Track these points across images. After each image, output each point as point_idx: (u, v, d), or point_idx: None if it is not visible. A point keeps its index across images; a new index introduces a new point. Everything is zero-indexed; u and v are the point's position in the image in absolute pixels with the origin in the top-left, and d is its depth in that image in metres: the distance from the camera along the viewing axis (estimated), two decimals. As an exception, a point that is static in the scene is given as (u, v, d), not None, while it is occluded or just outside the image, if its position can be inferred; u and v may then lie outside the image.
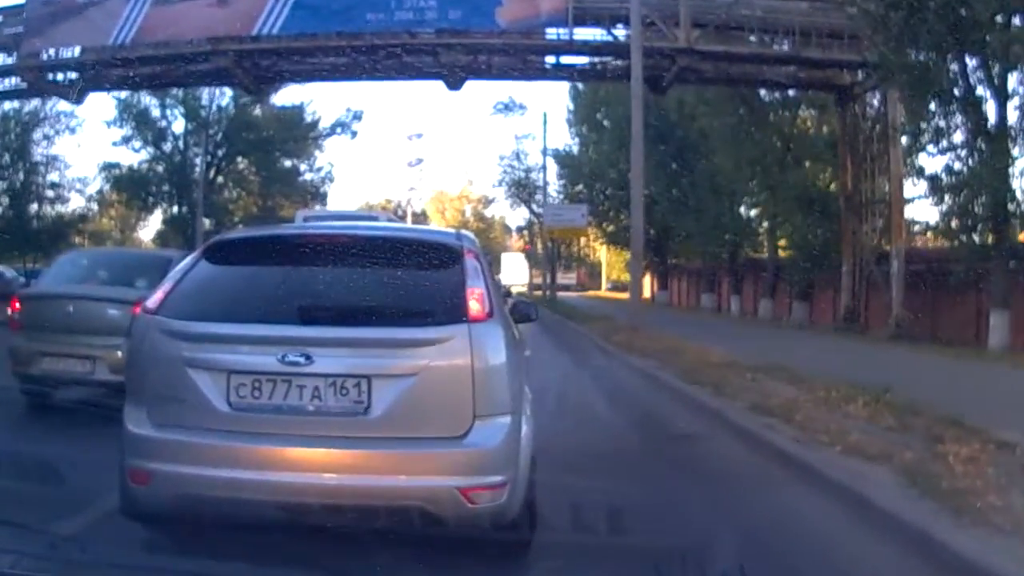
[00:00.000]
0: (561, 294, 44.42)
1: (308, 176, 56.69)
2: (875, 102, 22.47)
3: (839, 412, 6.83)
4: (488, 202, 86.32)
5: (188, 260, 4.25)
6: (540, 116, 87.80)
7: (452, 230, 4.83)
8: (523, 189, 48.12)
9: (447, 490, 3.59)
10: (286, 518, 3.57)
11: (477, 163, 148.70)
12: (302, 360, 3.63)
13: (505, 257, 66.62)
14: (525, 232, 55.77)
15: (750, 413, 7.02)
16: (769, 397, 7.50)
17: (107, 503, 4.09)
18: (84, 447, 4.77)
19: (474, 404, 3.69)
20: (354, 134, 44.18)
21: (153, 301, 4.00)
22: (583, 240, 53.27)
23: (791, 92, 27.48)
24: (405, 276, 4.04)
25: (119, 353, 7.19)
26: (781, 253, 30.57)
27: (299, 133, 44.45)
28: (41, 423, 7.21)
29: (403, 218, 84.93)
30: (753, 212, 33.89)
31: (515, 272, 61.60)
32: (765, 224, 32.89)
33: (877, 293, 21.88)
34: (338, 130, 44.26)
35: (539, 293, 47.00)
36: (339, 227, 4.91)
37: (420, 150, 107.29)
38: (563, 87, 47.99)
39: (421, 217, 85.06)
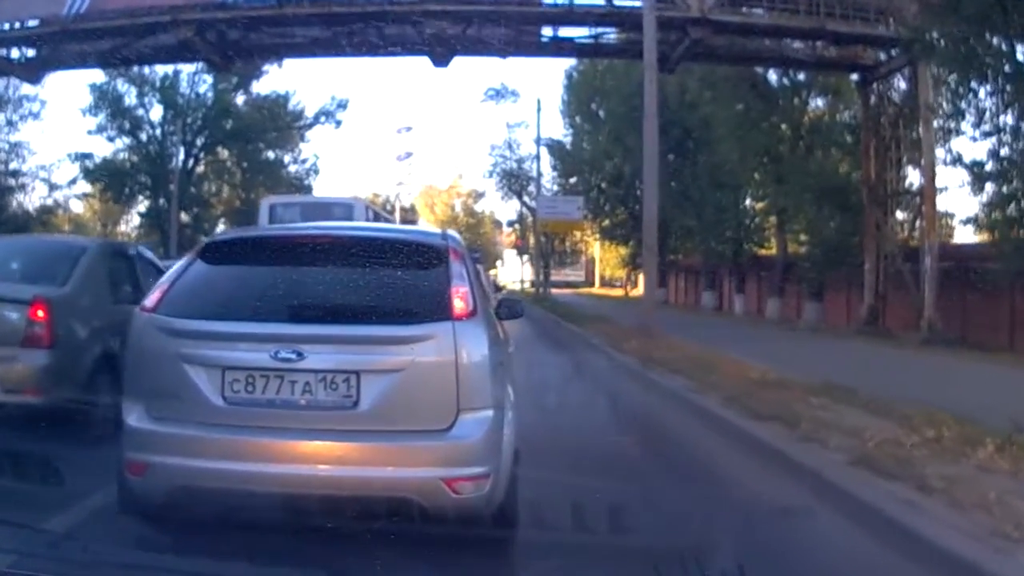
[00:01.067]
0: (555, 291, 42.40)
1: (292, 168, 54.89)
2: (900, 84, 20.66)
3: (973, 465, 4.90)
4: (478, 196, 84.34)
5: (183, 260, 4.37)
6: (533, 104, 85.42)
7: (438, 230, 5.03)
8: (515, 180, 45.99)
9: (432, 481, 3.73)
10: (278, 508, 3.69)
11: (467, 156, 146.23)
12: (294, 356, 3.76)
13: (508, 255, 64.77)
14: (516, 226, 53.49)
15: (857, 470, 4.88)
16: (864, 439, 5.48)
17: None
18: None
19: (458, 398, 3.82)
20: (339, 123, 42.22)
21: (151, 300, 4.14)
22: (578, 235, 51.14)
23: (805, 76, 25.79)
24: (392, 275, 4.14)
25: (17, 366, 6.20)
26: (790, 249, 28.76)
27: (282, 123, 42.29)
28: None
29: (391, 212, 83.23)
30: (759, 206, 31.99)
31: (514, 270, 60.02)
32: (772, 219, 31.09)
33: (899, 293, 20.08)
34: (322, 119, 42.32)
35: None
36: (329, 228, 5.13)
37: (409, 144, 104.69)
38: (558, 74, 45.80)
39: (410, 212, 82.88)
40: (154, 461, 3.80)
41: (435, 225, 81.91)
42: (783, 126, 27.30)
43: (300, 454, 3.78)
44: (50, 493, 4.32)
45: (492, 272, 67.74)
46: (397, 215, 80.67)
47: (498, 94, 42.84)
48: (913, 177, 20.22)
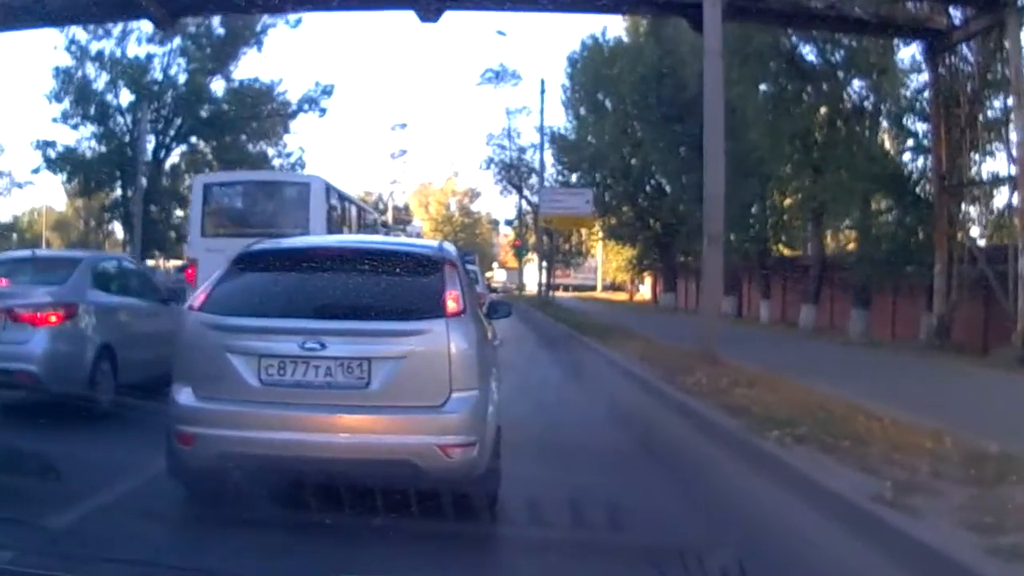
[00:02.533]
0: (561, 295, 38.75)
1: (277, 162, 51.66)
2: (969, 54, 17.37)
3: None
4: (474, 195, 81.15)
5: (222, 268, 5.20)
6: (534, 89, 79.25)
7: (435, 243, 6.05)
8: (515, 173, 42.34)
9: (429, 446, 4.56)
10: (306, 471, 4.47)
11: (463, 153, 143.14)
12: (318, 346, 4.61)
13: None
14: (516, 224, 49.64)
15: None
16: None
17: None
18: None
19: (450, 380, 4.66)
20: (323, 111, 38.82)
21: (197, 300, 4.98)
22: (584, 233, 47.33)
23: (842, 56, 22.55)
24: (397, 281, 5.09)
25: None
26: (829, 248, 25.51)
27: (262, 110, 38.84)
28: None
29: (384, 212, 79.96)
30: (787, 201, 28.67)
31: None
32: (798, 215, 27.87)
33: (972, 299, 16.82)
34: (306, 107, 38.81)
35: (560, 293, 41.51)
36: (345, 242, 7.18)
37: (404, 141, 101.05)
38: (560, 61, 42.00)
39: (403, 212, 79.76)
40: (201, 432, 4.61)
41: (428, 225, 79.02)
42: (822, 109, 24.04)
43: (322, 425, 4.62)
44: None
45: (488, 275, 64.69)
46: (390, 215, 77.62)
47: (497, 76, 39.47)
48: (993, 164, 16.88)
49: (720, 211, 12.75)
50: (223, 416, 4.59)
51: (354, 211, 19.04)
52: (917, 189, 18.72)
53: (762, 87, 26.30)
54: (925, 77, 19.05)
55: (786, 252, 29.48)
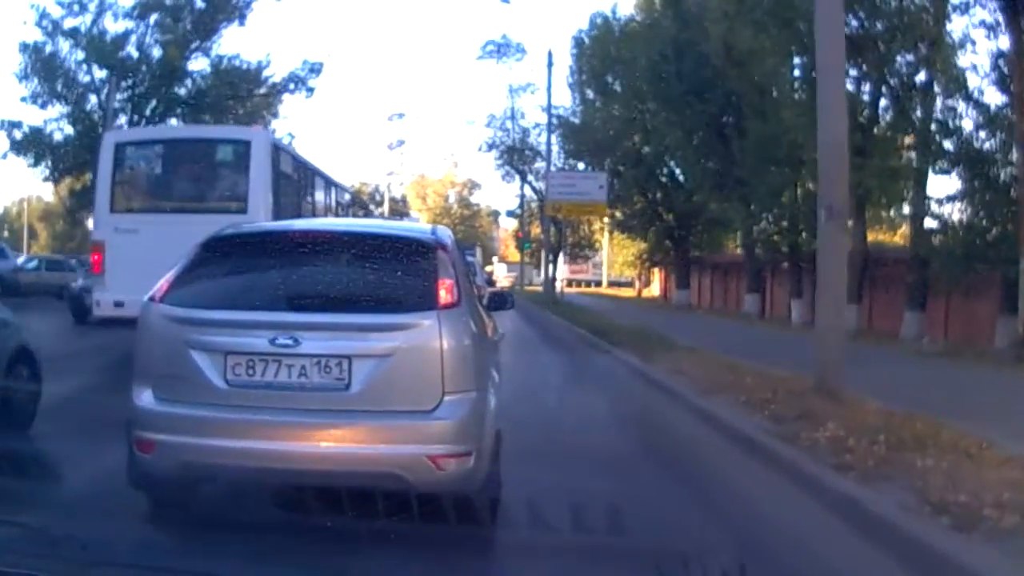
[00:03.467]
0: (568, 291, 35.64)
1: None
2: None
3: None
4: (474, 187, 78.38)
5: (188, 253, 4.64)
6: (537, 65, 73.83)
7: (429, 226, 5.56)
8: (518, 156, 39.16)
9: (418, 457, 4.02)
10: (277, 484, 4.17)
11: (463, 144, 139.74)
12: (291, 342, 4.08)
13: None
14: (522, 212, 46.14)
15: None
16: None
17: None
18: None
19: (443, 381, 4.13)
20: (311, 91, 35.74)
21: (158, 290, 4.44)
22: (596, 224, 43.98)
23: (883, 25, 19.77)
24: (384, 268, 4.45)
25: None
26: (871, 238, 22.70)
27: (245, 88, 35.91)
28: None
29: (380, 203, 77.17)
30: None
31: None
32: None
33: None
34: (292, 86, 35.78)
35: (581, 289, 38.05)
36: (326, 224, 6.21)
37: (402, 131, 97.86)
38: (566, 31, 38.69)
39: (401, 203, 77.02)
40: (162, 439, 4.13)
41: (427, 217, 76.28)
42: (865, 84, 21.24)
43: (296, 432, 4.08)
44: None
45: (488, 268, 62.04)
46: (386, 207, 74.89)
47: (499, 49, 36.30)
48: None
49: (843, 170, 8.97)
50: (185, 421, 4.15)
51: (319, 184, 15.31)
52: (993, 171, 15.81)
53: (796, 60, 23.57)
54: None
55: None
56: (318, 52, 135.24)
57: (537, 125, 37.89)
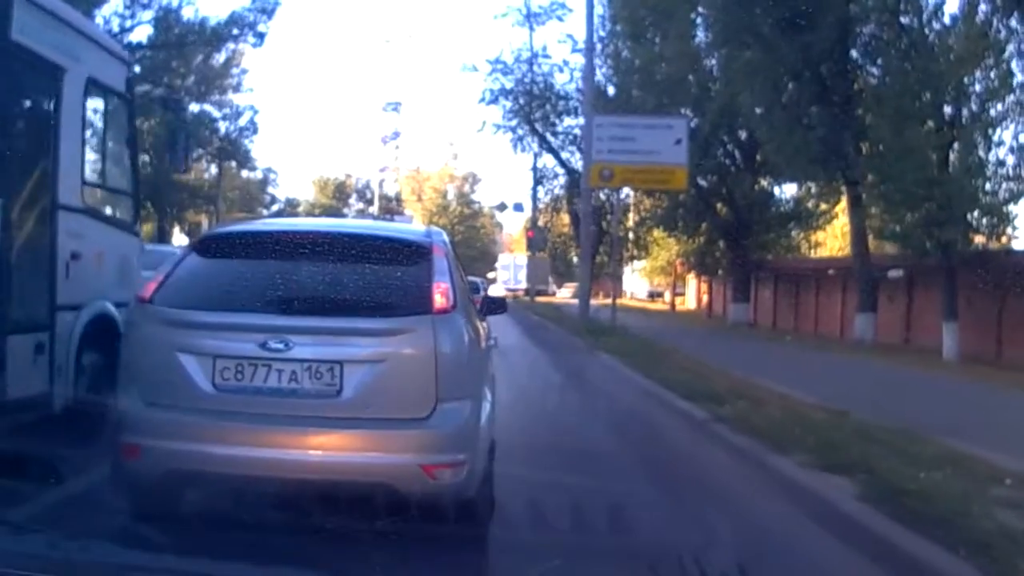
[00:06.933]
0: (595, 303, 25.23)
1: (223, 125, 40.57)
2: None
3: None
4: (475, 181, 70.23)
5: (179, 253, 4.75)
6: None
7: (424, 228, 5.50)
8: (538, 106, 29.21)
9: (411, 467, 3.94)
10: (265, 492, 4.07)
11: (462, 135, 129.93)
12: (281, 346, 3.96)
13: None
14: (544, 195, 35.47)
15: None
16: None
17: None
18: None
19: (437, 388, 4.01)
20: (261, 38, 27.28)
21: (147, 290, 4.32)
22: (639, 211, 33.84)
23: None
24: (378, 271, 4.36)
25: None
26: None
27: (171, 38, 27.41)
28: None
29: (371, 201, 68.95)
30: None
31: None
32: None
33: None
34: (235, 31, 27.28)
35: (599, 301, 28.65)
36: (319, 225, 5.87)
37: (397, 122, 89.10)
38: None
39: (393, 202, 68.71)
40: (147, 444, 4.00)
41: (422, 216, 67.97)
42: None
43: (285, 439, 3.96)
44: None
45: (491, 275, 53.72)
46: (376, 205, 66.62)
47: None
48: None
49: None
50: (171, 426, 3.97)
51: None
52: None
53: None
54: None
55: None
56: (318, 56, 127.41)
57: (566, 63, 28.28)
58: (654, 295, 51.89)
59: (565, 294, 48.92)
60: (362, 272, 4.32)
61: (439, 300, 4.13)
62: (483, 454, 4.32)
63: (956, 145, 17.42)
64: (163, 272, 4.39)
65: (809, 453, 6.07)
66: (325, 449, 3.95)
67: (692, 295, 43.45)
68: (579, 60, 26.42)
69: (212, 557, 2.87)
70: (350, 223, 6.49)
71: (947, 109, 17.71)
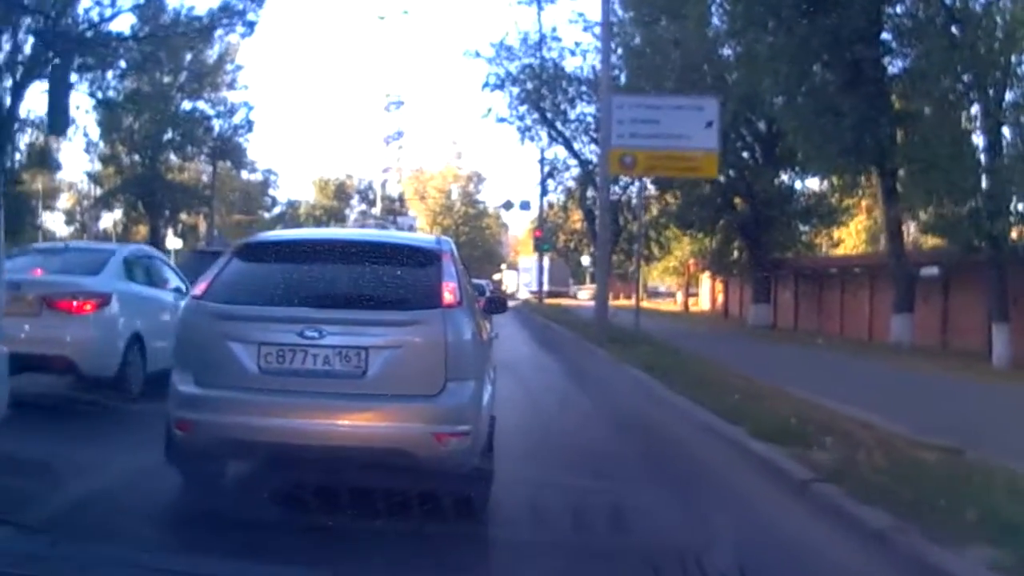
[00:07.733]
0: (590, 304, 23.01)
1: (217, 124, 39.25)
2: None
3: None
4: (479, 181, 68.75)
5: (224, 257, 5.27)
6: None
7: (434, 236, 6.44)
8: (548, 93, 27.44)
9: (424, 435, 4.52)
10: (301, 458, 4.52)
11: (467, 131, 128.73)
12: (316, 335, 4.59)
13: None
14: (543, 200, 33.95)
15: None
16: None
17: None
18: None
19: (446, 370, 4.62)
20: (251, 27, 25.89)
21: (199, 289, 4.97)
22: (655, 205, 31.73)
23: None
24: (396, 272, 5.05)
25: None
26: None
27: (156, 28, 25.96)
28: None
29: (373, 203, 67.50)
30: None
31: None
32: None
33: None
34: (224, 20, 25.84)
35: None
36: (346, 235, 7.11)
37: (400, 122, 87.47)
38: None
39: (396, 203, 67.20)
40: (200, 419, 4.63)
41: (426, 217, 66.56)
42: None
43: (319, 412, 4.59)
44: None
45: (496, 277, 52.25)
46: (379, 205, 65.18)
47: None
48: None
49: None
50: (222, 403, 4.61)
51: None
52: None
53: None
54: None
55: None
56: (320, 54, 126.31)
57: (577, 45, 26.90)
58: (653, 295, 50.55)
59: (584, 296, 47.46)
60: (383, 274, 5.01)
61: (448, 297, 4.78)
62: (484, 426, 4.96)
63: (1005, 130, 15.97)
64: (211, 274, 5.03)
65: (990, 544, 4.08)
66: (352, 420, 4.60)
67: (706, 295, 41.92)
68: (591, 41, 25.12)
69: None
70: (372, 233, 7.61)
71: (990, 92, 16.26)
